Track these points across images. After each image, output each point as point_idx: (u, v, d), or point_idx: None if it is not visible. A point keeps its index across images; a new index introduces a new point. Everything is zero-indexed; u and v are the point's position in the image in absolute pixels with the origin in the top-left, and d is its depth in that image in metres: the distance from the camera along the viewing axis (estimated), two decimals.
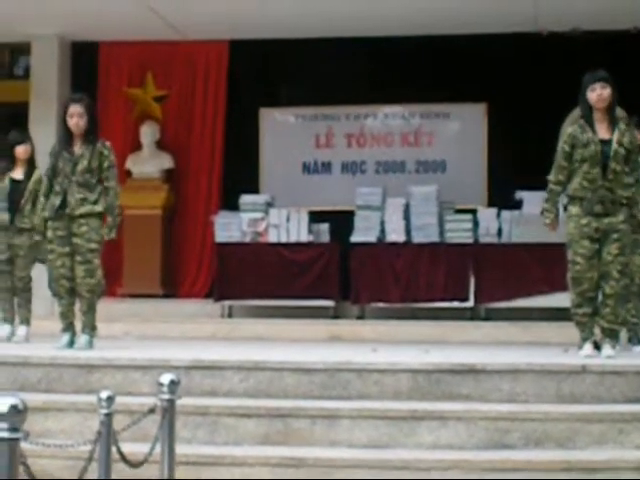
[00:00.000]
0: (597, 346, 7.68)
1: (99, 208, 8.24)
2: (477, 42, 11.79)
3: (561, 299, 10.68)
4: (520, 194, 11.21)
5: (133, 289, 12.32)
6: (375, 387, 6.72)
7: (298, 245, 11.68)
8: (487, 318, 10.93)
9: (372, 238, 11.55)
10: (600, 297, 7.77)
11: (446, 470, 5.88)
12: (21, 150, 9.52)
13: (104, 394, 4.38)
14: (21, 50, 14.12)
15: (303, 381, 6.75)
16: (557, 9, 11.03)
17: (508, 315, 9.30)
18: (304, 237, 11.71)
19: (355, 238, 11.57)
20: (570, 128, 7.82)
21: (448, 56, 11.85)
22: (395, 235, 11.53)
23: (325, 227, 11.85)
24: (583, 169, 7.62)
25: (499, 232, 11.34)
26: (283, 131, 12.83)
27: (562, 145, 7.77)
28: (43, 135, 12.15)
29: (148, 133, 12.67)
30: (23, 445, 3.28)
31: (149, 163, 12.64)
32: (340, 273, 11.51)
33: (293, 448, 6.17)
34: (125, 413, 4.96)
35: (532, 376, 6.72)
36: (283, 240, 11.70)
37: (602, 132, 7.67)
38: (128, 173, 12.68)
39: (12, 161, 9.56)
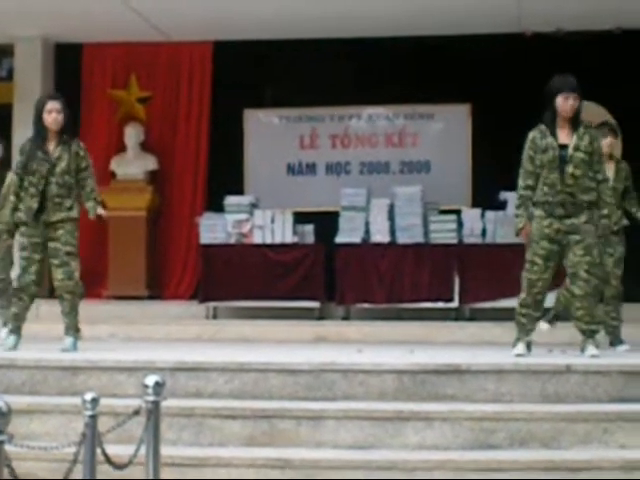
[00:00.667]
0: (530, 347, 7.79)
1: (74, 214, 8.25)
2: (461, 43, 11.82)
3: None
4: (504, 195, 11.21)
5: (118, 291, 12.29)
6: (360, 388, 6.73)
7: (283, 246, 11.67)
8: (472, 318, 10.95)
9: (357, 239, 11.55)
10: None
11: (431, 470, 5.90)
12: None
13: (89, 396, 4.37)
14: (4, 52, 14.08)
15: (288, 382, 6.76)
16: (541, 10, 11.05)
17: (493, 315, 9.32)
18: (289, 238, 11.70)
19: (340, 239, 11.57)
20: (531, 133, 7.88)
21: (432, 57, 11.88)
22: (380, 236, 11.53)
23: (310, 228, 11.84)
24: (543, 174, 7.70)
25: (483, 232, 11.36)
26: (267, 132, 12.83)
27: (526, 150, 7.83)
28: (27, 136, 12.11)
29: (132, 135, 12.65)
30: (7, 447, 3.28)
31: (133, 165, 12.62)
32: (325, 274, 11.50)
33: (279, 449, 6.18)
34: (110, 415, 4.96)
35: (517, 376, 6.75)
36: (268, 241, 11.70)
37: (562, 137, 7.74)
38: (112, 175, 12.67)
39: None
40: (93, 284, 12.53)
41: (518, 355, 7.49)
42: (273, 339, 10.26)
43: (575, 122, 7.75)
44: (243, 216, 11.77)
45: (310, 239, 11.82)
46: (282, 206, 11.89)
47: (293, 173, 12.78)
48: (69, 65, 12.79)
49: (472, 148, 12.15)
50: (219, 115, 12.72)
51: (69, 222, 8.24)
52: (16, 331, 8.24)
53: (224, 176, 12.51)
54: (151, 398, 4.89)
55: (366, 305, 11.41)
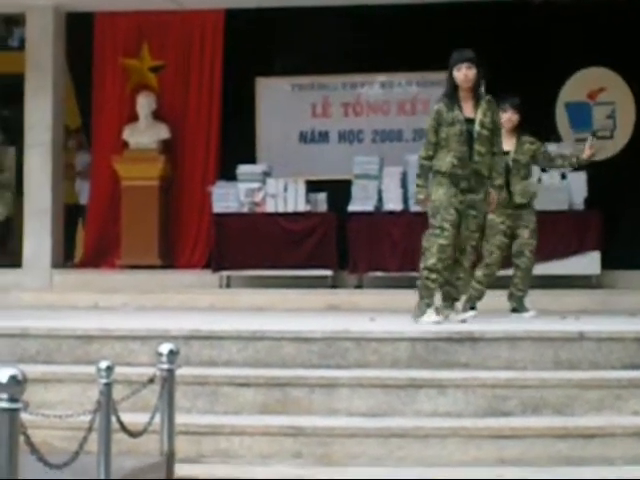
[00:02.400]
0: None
1: None
2: (473, 10, 11.75)
3: (557, 267, 10.77)
4: None
5: (131, 260, 12.31)
6: (373, 356, 6.75)
7: (295, 215, 11.67)
8: (487, 286, 10.93)
9: (370, 207, 11.54)
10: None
11: (444, 437, 5.92)
12: None
13: (103, 364, 4.39)
14: (16, 21, 14.10)
15: (302, 350, 6.78)
16: None
17: (506, 283, 9.31)
18: (301, 207, 11.69)
19: (352, 207, 11.56)
20: (437, 106, 7.98)
21: (444, 24, 11.80)
22: (392, 204, 11.52)
23: (322, 196, 11.83)
24: (452, 148, 7.81)
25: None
26: (280, 100, 12.79)
27: (431, 121, 7.93)
28: (39, 106, 12.17)
29: (144, 104, 12.63)
30: (23, 416, 3.29)
31: (146, 134, 12.61)
32: (338, 242, 11.49)
33: (292, 417, 6.21)
34: (124, 383, 4.99)
35: (530, 343, 6.76)
36: (280, 210, 11.69)
37: (467, 111, 7.88)
38: (125, 144, 12.66)
39: None
40: (106, 253, 12.59)
41: (436, 322, 7.50)
42: (286, 308, 10.30)
43: (476, 94, 7.92)
44: (255, 185, 11.76)
45: (323, 207, 11.81)
46: (294, 174, 11.88)
47: (305, 141, 12.77)
48: (81, 34, 12.75)
49: None
50: (231, 83, 12.68)
51: None
52: None
53: (236, 145, 12.50)
54: (165, 366, 4.92)
55: (379, 273, 11.41)
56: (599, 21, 11.70)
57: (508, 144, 8.68)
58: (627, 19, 11.69)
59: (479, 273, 8.81)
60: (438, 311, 7.81)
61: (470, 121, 7.84)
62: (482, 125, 7.83)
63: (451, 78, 7.91)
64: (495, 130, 7.96)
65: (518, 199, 8.83)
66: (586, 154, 9.22)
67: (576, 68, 12.10)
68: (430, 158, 7.90)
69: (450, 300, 8.04)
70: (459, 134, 7.79)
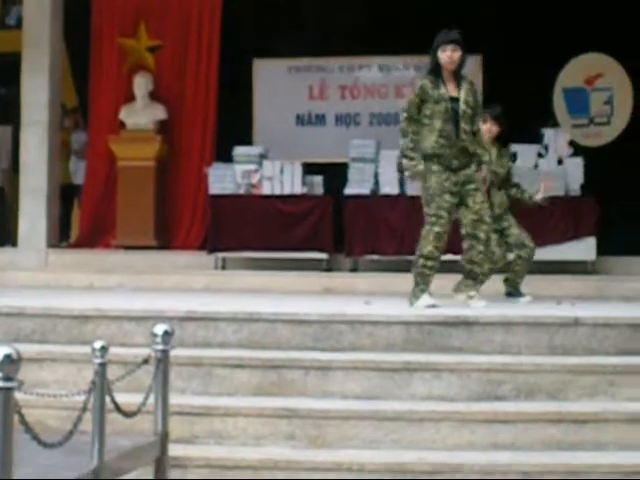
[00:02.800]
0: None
1: None
2: None
3: (553, 252, 10.78)
4: (514, 147, 11.19)
5: (127, 241, 12.31)
6: (368, 339, 6.75)
7: (292, 197, 11.66)
8: (486, 273, 10.92)
9: (366, 190, 11.53)
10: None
11: (439, 421, 5.93)
12: None
13: (98, 344, 4.38)
14: (12, 1, 14.05)
15: (296, 332, 6.79)
16: None
17: (502, 268, 9.33)
18: (298, 189, 11.68)
19: (349, 190, 11.55)
20: (421, 82, 7.96)
21: (443, 8, 11.78)
22: (389, 187, 11.51)
23: (319, 179, 11.82)
24: (437, 126, 7.79)
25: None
26: (276, 82, 12.79)
27: (414, 97, 7.90)
28: (35, 85, 12.14)
29: (141, 84, 12.61)
30: (17, 395, 3.30)
31: (143, 114, 12.59)
32: (334, 225, 11.49)
33: (286, 399, 6.22)
34: (119, 364, 4.99)
35: (525, 328, 6.76)
36: (277, 192, 11.68)
37: (451, 89, 7.88)
38: (122, 124, 12.65)
39: None
40: (102, 233, 12.59)
41: (431, 306, 7.49)
42: (281, 290, 10.30)
43: (458, 75, 7.93)
44: (252, 167, 11.75)
45: (319, 190, 11.81)
46: (291, 157, 11.86)
47: (302, 124, 12.76)
48: (78, 13, 12.72)
49: (483, 99, 12.09)
50: (228, 65, 12.67)
51: None
52: None
53: (233, 126, 12.49)
54: (160, 347, 4.92)
55: (375, 257, 11.41)
56: (596, 6, 11.69)
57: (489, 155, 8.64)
58: (625, 4, 11.68)
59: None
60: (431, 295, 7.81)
61: (454, 100, 7.82)
62: (467, 104, 7.83)
63: (435, 57, 7.89)
64: (476, 109, 7.97)
65: (497, 210, 8.85)
66: (538, 197, 9.18)
67: (574, 54, 12.10)
68: (415, 133, 7.85)
69: (473, 279, 7.98)
70: (444, 112, 7.76)
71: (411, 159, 7.88)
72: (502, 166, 9.00)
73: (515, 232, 8.94)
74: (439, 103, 7.78)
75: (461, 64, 7.91)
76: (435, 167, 7.79)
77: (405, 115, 7.92)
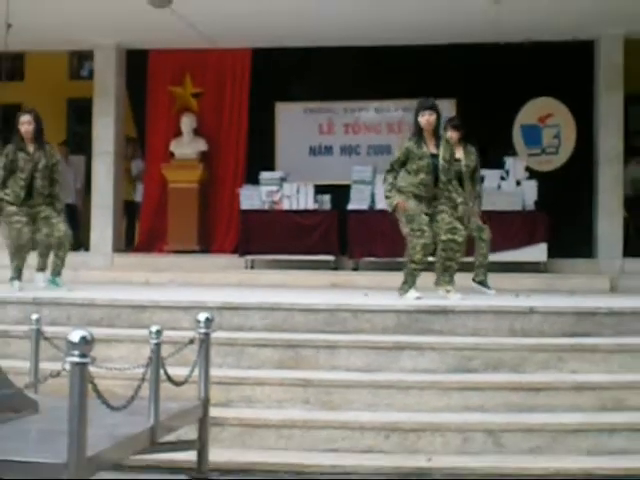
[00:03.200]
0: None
1: None
2: (449, 50, 11.73)
3: (513, 255, 10.76)
4: (482, 172, 11.15)
5: (176, 246, 12.33)
6: (367, 324, 6.75)
7: (306, 212, 11.65)
8: (458, 269, 10.89)
9: (364, 206, 11.51)
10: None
11: (423, 389, 5.92)
12: None
13: (154, 328, 4.38)
14: (86, 56, 14.11)
15: (310, 318, 6.78)
16: (513, 24, 10.94)
17: (471, 268, 9.30)
18: (310, 205, 11.68)
19: (351, 206, 11.54)
20: (407, 143, 7.96)
21: (425, 61, 11.78)
22: (382, 204, 11.27)
23: (327, 197, 11.81)
24: (420, 177, 7.81)
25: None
26: (294, 121, 12.77)
27: (399, 155, 7.93)
28: (104, 124, 12.17)
29: (187, 122, 12.62)
30: (91, 369, 3.30)
31: (188, 147, 12.60)
32: (339, 234, 11.49)
33: (302, 371, 6.21)
34: (170, 344, 4.98)
35: (491, 315, 6.76)
36: (294, 208, 11.67)
37: (430, 148, 7.86)
38: (172, 155, 12.67)
39: None
40: (156, 241, 12.60)
41: (417, 298, 7.46)
42: (297, 285, 10.29)
43: (437, 134, 7.91)
44: (274, 188, 11.75)
45: (327, 206, 11.79)
46: (305, 180, 11.85)
47: (314, 154, 12.75)
48: (138, 67, 12.73)
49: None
50: (255, 107, 12.68)
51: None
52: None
53: (259, 155, 12.50)
54: (203, 330, 4.91)
55: (371, 259, 11.40)
56: (548, 60, 11.68)
57: (458, 153, 8.64)
58: (570, 59, 11.69)
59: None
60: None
61: (434, 156, 7.82)
62: (444, 159, 7.82)
63: (417, 121, 7.89)
64: (451, 162, 7.95)
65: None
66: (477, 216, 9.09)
67: (530, 97, 12.08)
68: (394, 178, 7.90)
69: (450, 275, 7.93)
70: (427, 166, 7.78)
71: (388, 198, 7.95)
72: (470, 160, 8.94)
73: (473, 219, 8.88)
74: (422, 159, 7.79)
75: (438, 125, 7.90)
76: (412, 196, 7.83)
77: (389, 168, 7.97)
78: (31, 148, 8.37)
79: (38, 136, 8.39)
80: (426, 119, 7.79)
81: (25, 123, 8.33)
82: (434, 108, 7.84)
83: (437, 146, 7.85)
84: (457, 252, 7.90)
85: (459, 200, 8.13)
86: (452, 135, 8.81)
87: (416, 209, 7.78)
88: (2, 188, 8.39)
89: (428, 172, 7.78)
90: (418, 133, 7.87)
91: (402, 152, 7.90)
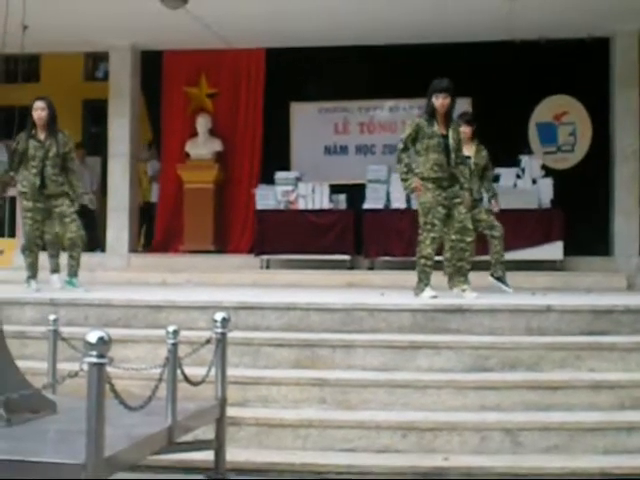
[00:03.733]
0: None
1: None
2: (464, 48, 11.71)
3: (529, 253, 10.73)
4: (497, 170, 11.14)
5: (192, 246, 12.36)
6: (383, 323, 6.74)
7: (321, 211, 11.65)
8: (472, 268, 10.86)
9: (380, 205, 11.51)
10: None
11: (439, 388, 5.91)
12: None
13: (170, 328, 4.38)
14: (102, 58, 14.16)
15: (326, 318, 6.78)
16: (527, 21, 10.91)
17: (487, 266, 9.28)
18: (326, 205, 11.69)
19: (366, 205, 11.54)
20: (418, 120, 7.92)
21: (441, 59, 11.71)
22: (398, 203, 11.48)
23: (342, 197, 11.81)
24: (432, 156, 7.74)
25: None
26: (309, 121, 12.78)
27: (410, 130, 7.85)
28: (119, 125, 12.20)
29: (202, 123, 12.65)
30: (108, 369, 3.30)
31: (203, 147, 12.63)
32: (354, 233, 11.49)
33: (318, 371, 6.21)
34: (187, 344, 4.99)
35: (507, 314, 6.73)
36: (309, 207, 11.68)
37: (441, 129, 7.80)
38: (187, 155, 12.69)
39: None
40: (172, 241, 12.63)
41: (433, 297, 7.45)
42: (313, 284, 10.29)
43: (448, 117, 7.84)
44: (290, 187, 11.76)
45: (343, 206, 11.80)
46: (320, 179, 11.86)
47: (329, 153, 12.75)
48: (153, 68, 12.78)
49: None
50: (270, 107, 12.69)
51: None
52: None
53: (275, 156, 12.51)
54: (219, 330, 4.91)
55: (387, 258, 11.39)
56: (563, 58, 11.65)
57: (468, 151, 8.64)
58: (585, 56, 11.65)
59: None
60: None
61: (445, 137, 7.77)
62: (454, 140, 7.80)
63: (430, 102, 7.80)
64: (459, 145, 7.91)
65: (475, 195, 8.80)
66: (494, 208, 9.12)
67: (545, 95, 12.05)
68: (407, 159, 7.87)
69: (463, 275, 7.93)
70: (437, 145, 7.73)
71: (405, 180, 7.89)
72: (480, 158, 8.94)
73: (484, 217, 8.87)
74: (432, 138, 7.73)
75: (451, 108, 7.83)
76: (430, 185, 7.77)
77: (401, 146, 7.88)
78: (42, 136, 8.40)
79: (51, 123, 8.41)
80: (440, 102, 7.73)
81: (38, 109, 8.37)
82: (449, 91, 7.76)
83: (447, 128, 7.80)
84: (466, 252, 7.89)
85: (466, 185, 8.07)
86: (465, 130, 8.76)
87: (433, 201, 7.76)
88: (16, 173, 8.45)
89: (439, 151, 7.73)
90: (430, 113, 7.80)
91: (412, 128, 7.81)
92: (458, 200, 7.85)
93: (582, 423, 5.57)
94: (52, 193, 8.40)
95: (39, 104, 8.41)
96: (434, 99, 7.76)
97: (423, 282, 7.78)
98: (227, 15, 10.95)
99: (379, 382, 5.98)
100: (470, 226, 7.90)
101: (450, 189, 7.82)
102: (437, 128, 7.76)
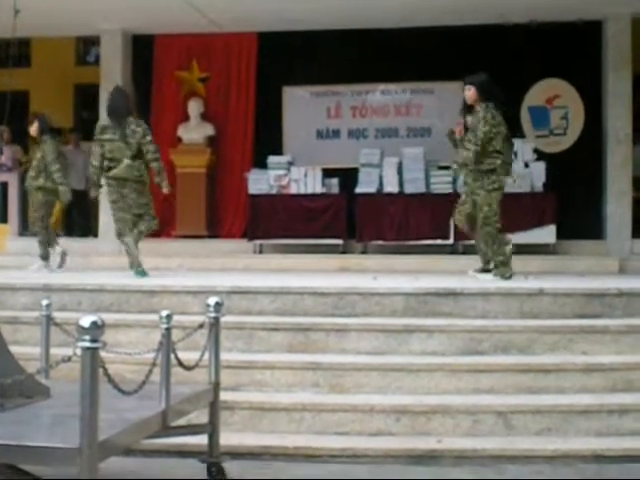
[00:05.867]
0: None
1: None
2: (455, 32, 11.69)
3: (522, 237, 10.73)
4: None
5: (184, 231, 12.35)
6: (376, 307, 6.75)
7: (314, 195, 11.65)
8: (464, 252, 10.91)
9: (372, 189, 11.52)
10: None
11: (432, 372, 5.93)
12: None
13: (164, 313, 4.38)
14: (92, 42, 14.10)
15: (319, 302, 6.79)
16: (518, 4, 10.90)
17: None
18: (318, 189, 11.68)
19: (359, 189, 11.54)
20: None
21: (432, 43, 11.74)
22: (391, 187, 11.49)
23: (335, 181, 11.81)
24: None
25: None
26: (301, 105, 12.75)
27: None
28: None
29: (194, 107, 12.62)
30: (101, 353, 3.31)
31: (195, 131, 12.60)
32: (347, 217, 11.49)
33: (312, 355, 6.22)
34: (180, 328, 4.99)
35: (500, 297, 6.75)
36: (302, 192, 11.68)
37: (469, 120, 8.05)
38: (179, 139, 12.66)
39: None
40: (165, 226, 12.59)
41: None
42: (306, 269, 10.29)
43: (480, 104, 8.02)
44: (282, 172, 11.75)
45: (335, 190, 11.80)
46: (313, 163, 11.86)
47: (322, 137, 12.73)
48: (144, 52, 12.73)
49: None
50: (262, 91, 12.66)
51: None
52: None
53: (267, 140, 12.48)
54: (212, 315, 4.91)
55: (380, 242, 11.41)
56: (555, 41, 11.64)
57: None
58: (577, 40, 11.64)
59: None
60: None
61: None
62: (472, 123, 7.97)
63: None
64: (475, 128, 7.91)
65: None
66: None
67: (537, 79, 12.03)
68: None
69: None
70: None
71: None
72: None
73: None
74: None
75: (476, 97, 8.04)
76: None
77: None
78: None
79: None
80: (464, 94, 8.08)
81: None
82: (466, 82, 8.10)
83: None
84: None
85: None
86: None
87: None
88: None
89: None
90: (463, 105, 8.15)
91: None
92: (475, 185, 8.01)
93: (574, 406, 5.60)
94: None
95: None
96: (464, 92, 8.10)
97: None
98: None
99: (372, 366, 5.99)
100: (458, 215, 8.17)
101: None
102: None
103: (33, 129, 9.67)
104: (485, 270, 8.29)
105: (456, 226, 10.66)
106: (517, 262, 9.78)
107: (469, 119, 8.01)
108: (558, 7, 11.01)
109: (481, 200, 7.91)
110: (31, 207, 9.93)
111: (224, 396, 5.17)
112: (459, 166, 8.26)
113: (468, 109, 8.08)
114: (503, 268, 7.97)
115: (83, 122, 14.75)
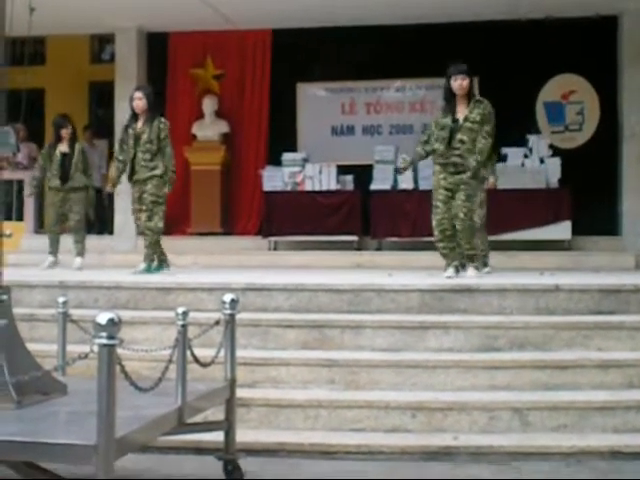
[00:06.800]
0: (458, 269, 7.78)
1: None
2: (470, 28, 11.67)
3: (537, 233, 10.71)
4: (505, 149, 11.13)
5: (199, 228, 12.37)
6: (391, 303, 6.74)
7: (328, 192, 11.66)
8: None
9: (387, 186, 11.51)
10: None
11: (448, 368, 5.91)
12: (65, 132, 9.88)
13: (180, 310, 4.38)
14: (108, 40, 14.11)
15: (334, 299, 6.78)
16: (533, 0, 10.87)
17: (496, 246, 9.28)
18: (333, 186, 11.69)
19: (374, 186, 11.54)
20: (435, 119, 7.93)
21: (448, 39, 11.71)
22: (405, 184, 11.48)
23: (350, 178, 11.81)
24: (436, 145, 7.74)
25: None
26: (315, 101, 12.76)
27: (432, 128, 7.85)
28: (126, 107, 12.13)
29: (209, 104, 12.64)
30: (118, 350, 3.31)
31: (210, 129, 12.62)
32: (362, 214, 11.49)
33: (327, 352, 6.21)
34: (195, 325, 4.99)
35: (516, 294, 6.72)
36: (316, 188, 11.69)
37: (459, 113, 7.67)
38: (193, 137, 12.68)
39: (57, 139, 9.95)
40: (179, 223, 12.63)
41: (448, 277, 7.48)
42: (321, 266, 10.30)
43: (469, 98, 7.71)
44: (297, 169, 11.76)
45: (350, 186, 11.80)
46: (328, 160, 11.86)
47: (336, 134, 12.73)
48: (158, 50, 12.77)
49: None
50: (277, 88, 12.67)
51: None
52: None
53: (281, 137, 12.49)
54: (228, 312, 4.92)
55: (394, 238, 11.40)
56: (570, 36, 11.60)
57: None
58: (592, 35, 11.60)
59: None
60: (457, 269, 7.77)
61: (456, 121, 7.66)
62: (466, 119, 7.63)
63: (448, 86, 7.72)
64: (482, 122, 7.67)
65: None
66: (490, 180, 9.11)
67: (553, 74, 12.00)
68: (421, 149, 7.90)
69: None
70: (443, 137, 7.66)
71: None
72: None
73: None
74: (443, 129, 7.67)
75: (471, 89, 7.75)
76: (436, 168, 7.82)
77: (422, 137, 7.99)
78: (140, 123, 8.58)
79: (148, 111, 8.58)
80: (459, 84, 7.63)
81: (136, 99, 8.58)
82: (467, 72, 7.69)
83: (468, 108, 7.65)
84: (461, 239, 7.74)
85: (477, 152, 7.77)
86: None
87: (436, 184, 7.76)
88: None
89: (442, 140, 7.66)
90: (449, 98, 7.74)
91: (433, 126, 7.83)
92: (463, 187, 7.66)
93: (591, 402, 5.58)
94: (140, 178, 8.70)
95: (137, 94, 8.60)
96: (452, 82, 7.65)
97: (446, 262, 7.81)
98: None
99: (388, 362, 5.98)
100: (462, 215, 7.65)
101: (457, 175, 7.68)
102: (449, 118, 7.65)
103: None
104: (462, 265, 8.19)
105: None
106: (532, 258, 9.81)
107: (461, 109, 7.67)
108: (574, 2, 10.98)
109: (465, 194, 7.72)
110: (79, 207, 10.02)
111: (240, 393, 5.18)
112: (479, 162, 7.88)
113: (452, 100, 7.71)
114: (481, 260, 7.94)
115: (98, 120, 14.78)
